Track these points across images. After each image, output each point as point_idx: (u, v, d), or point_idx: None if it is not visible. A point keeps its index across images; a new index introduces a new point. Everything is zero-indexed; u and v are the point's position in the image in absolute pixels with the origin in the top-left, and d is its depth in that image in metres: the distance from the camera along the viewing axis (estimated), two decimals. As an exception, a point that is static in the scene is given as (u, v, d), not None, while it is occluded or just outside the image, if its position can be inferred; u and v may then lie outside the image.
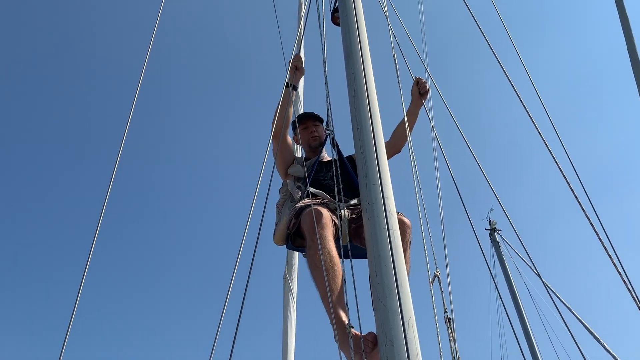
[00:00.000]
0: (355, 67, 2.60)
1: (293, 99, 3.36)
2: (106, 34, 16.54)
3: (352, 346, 2.00)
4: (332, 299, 2.27)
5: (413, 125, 3.44)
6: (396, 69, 3.29)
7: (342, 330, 2.16)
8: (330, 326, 2.25)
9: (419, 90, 3.45)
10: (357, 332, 2.12)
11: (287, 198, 3.08)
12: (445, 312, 2.32)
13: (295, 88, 3.42)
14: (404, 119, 3.31)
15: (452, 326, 2.29)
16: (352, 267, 2.27)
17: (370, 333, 2.08)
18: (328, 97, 2.92)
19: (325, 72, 2.97)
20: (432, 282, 2.30)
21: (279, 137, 3.19)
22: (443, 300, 2.33)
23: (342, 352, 2.08)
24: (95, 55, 16.61)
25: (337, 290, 2.31)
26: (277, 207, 3.08)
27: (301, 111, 4.53)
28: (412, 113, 3.46)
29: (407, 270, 2.44)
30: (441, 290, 2.36)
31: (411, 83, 3.50)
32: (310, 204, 2.65)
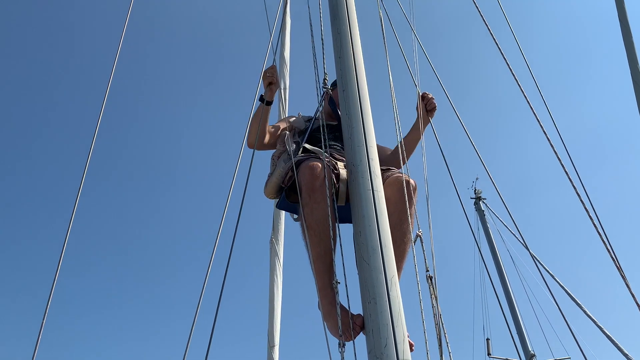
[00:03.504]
0: (341, 28, 2.57)
1: (267, 117, 2.94)
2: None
3: (340, 320, 1.91)
4: (320, 264, 2.19)
5: (415, 145, 3.05)
6: (382, 28, 3.25)
7: (327, 302, 2.09)
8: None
9: (426, 107, 3.00)
10: (345, 308, 2.03)
11: (284, 150, 2.84)
12: (427, 271, 2.37)
13: (269, 104, 2.93)
14: (416, 136, 3.02)
15: (433, 285, 2.34)
16: (339, 231, 2.22)
17: (360, 316, 1.96)
18: (322, 43, 2.81)
19: (310, 25, 2.93)
20: (415, 242, 2.34)
21: (253, 147, 2.91)
22: (425, 260, 2.37)
23: (326, 326, 2.02)
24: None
25: (328, 254, 2.21)
26: (273, 159, 2.88)
27: (286, 71, 4.44)
28: (416, 129, 3.01)
29: (409, 238, 2.33)
30: (423, 249, 2.40)
31: (397, 46, 3.44)
32: (309, 158, 2.51)
